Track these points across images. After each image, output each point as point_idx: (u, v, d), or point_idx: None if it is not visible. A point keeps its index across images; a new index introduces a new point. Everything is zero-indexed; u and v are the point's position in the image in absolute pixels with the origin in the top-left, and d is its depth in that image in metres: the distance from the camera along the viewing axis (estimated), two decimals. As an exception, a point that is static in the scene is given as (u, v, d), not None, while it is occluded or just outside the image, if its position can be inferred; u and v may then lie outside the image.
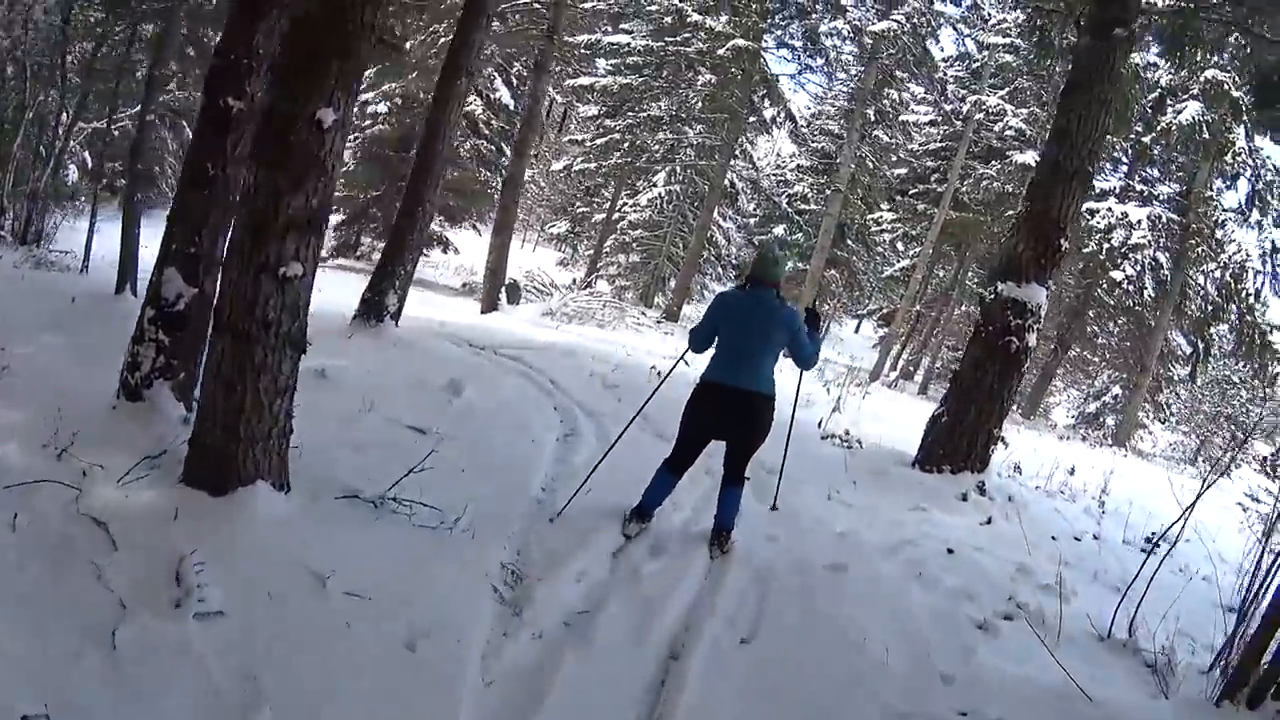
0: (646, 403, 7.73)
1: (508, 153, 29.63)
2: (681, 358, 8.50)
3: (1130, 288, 27.51)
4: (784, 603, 5.71)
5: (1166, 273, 28.00)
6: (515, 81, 30.71)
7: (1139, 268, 27.02)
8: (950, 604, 6.16)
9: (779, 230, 40.04)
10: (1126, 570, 7.56)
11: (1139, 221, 26.24)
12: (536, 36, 22.25)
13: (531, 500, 6.64)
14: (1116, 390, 37.70)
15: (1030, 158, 24.73)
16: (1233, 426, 45.40)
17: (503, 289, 21.70)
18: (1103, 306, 32.79)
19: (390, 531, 5.28)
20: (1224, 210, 28.79)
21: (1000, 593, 6.51)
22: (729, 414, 6.33)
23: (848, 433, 11.63)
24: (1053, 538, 8.77)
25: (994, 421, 10.27)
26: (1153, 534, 9.28)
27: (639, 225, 36.97)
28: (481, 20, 12.62)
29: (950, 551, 7.37)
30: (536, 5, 22.40)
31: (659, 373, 12.51)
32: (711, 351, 6.52)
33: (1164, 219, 26.78)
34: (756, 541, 6.69)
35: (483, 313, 20.48)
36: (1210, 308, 29.12)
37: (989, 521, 8.83)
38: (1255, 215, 27.79)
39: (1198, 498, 6.35)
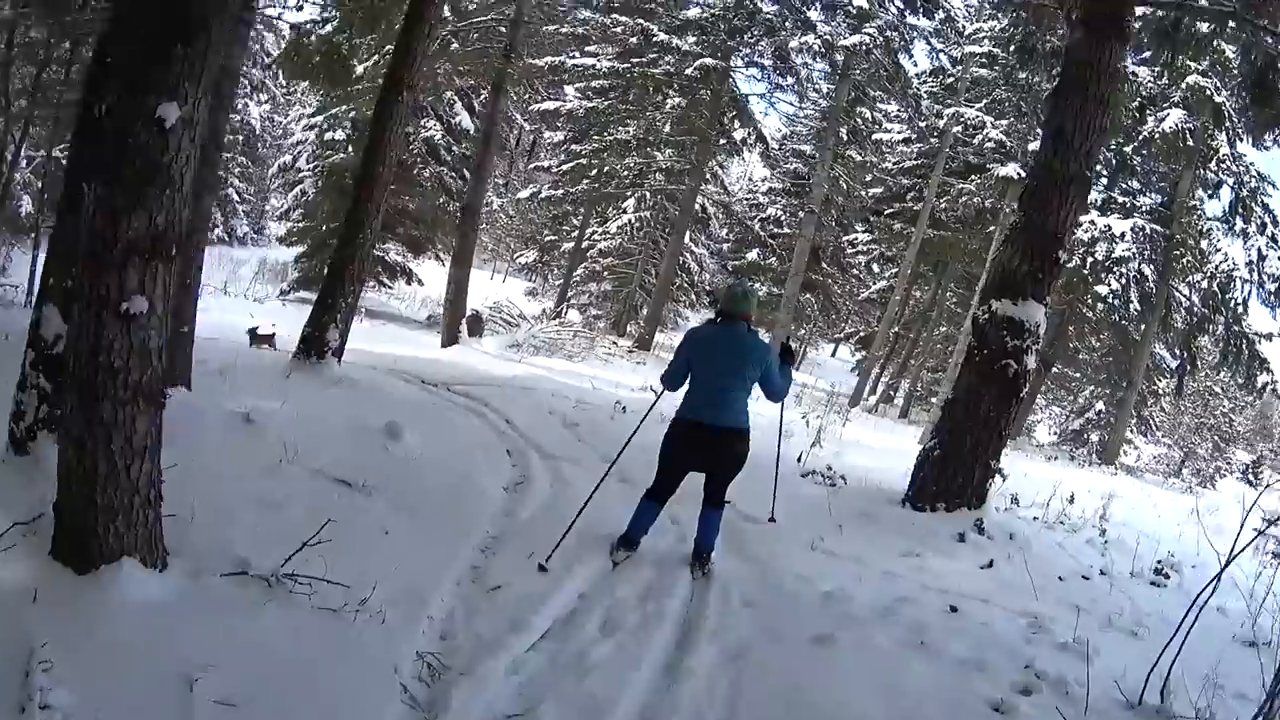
0: (620, 453, 7.22)
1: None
2: (658, 398, 7.95)
3: (1116, 301, 26.67)
4: (761, 690, 4.80)
5: (1152, 285, 27.22)
6: (478, 107, 29.64)
7: (1124, 281, 26.21)
8: (958, 679, 5.26)
9: (752, 255, 39.44)
10: (1139, 609, 7.22)
11: (1122, 234, 25.50)
12: (494, 56, 21.26)
13: (465, 567, 5.72)
14: (1100, 406, 37.68)
15: (1012, 170, 24.12)
16: (1215, 436, 45.09)
17: (463, 321, 20.70)
18: (1084, 322, 32.01)
19: (282, 617, 4.38)
20: (1208, 219, 28.32)
21: (1015, 659, 5.61)
22: (706, 451, 6.48)
23: (830, 468, 10.74)
24: (1059, 578, 8.02)
25: (991, 453, 9.40)
26: (1159, 563, 9.05)
27: (609, 253, 36.13)
28: (423, 29, 11.62)
29: (954, 610, 6.47)
30: (493, 23, 21.42)
31: (624, 408, 11.69)
32: (686, 387, 6.61)
33: (1147, 230, 26.03)
34: (731, 611, 5.84)
35: (443, 346, 19.52)
36: (1195, 319, 28.45)
37: (990, 565, 7.97)
38: (1239, 224, 27.28)
39: (1234, 551, 5.39)
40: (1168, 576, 8.76)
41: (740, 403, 6.44)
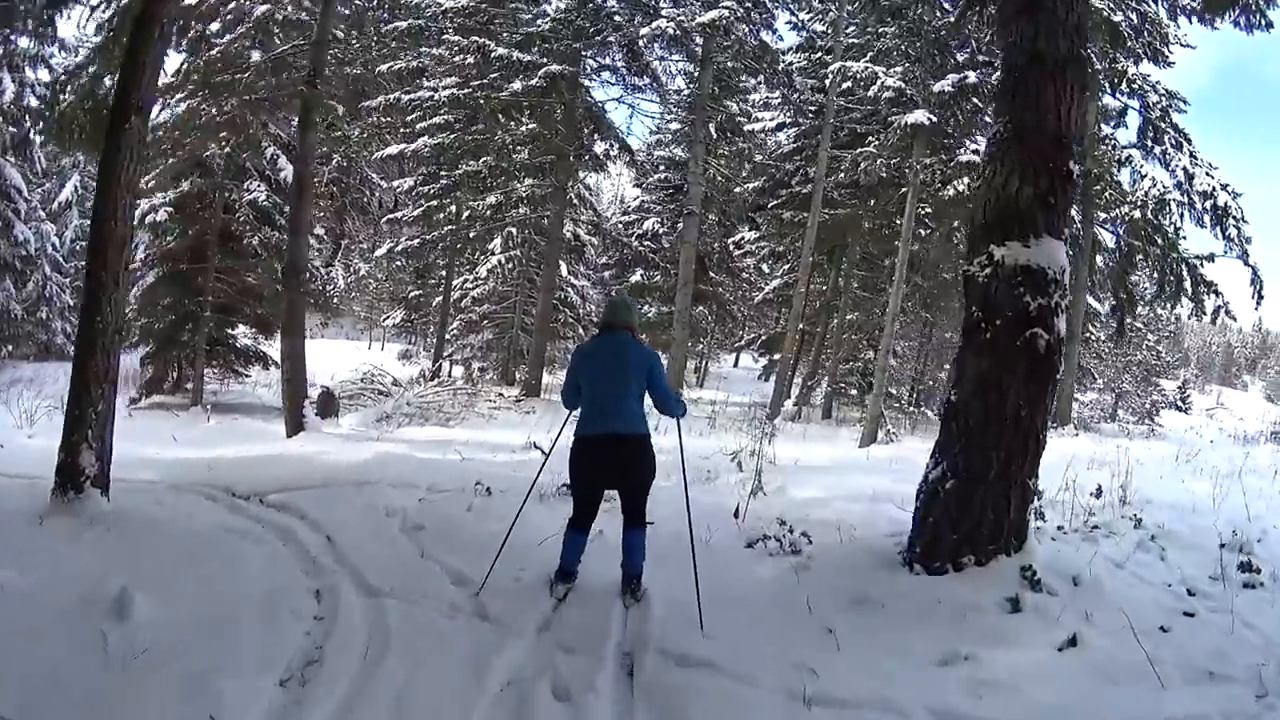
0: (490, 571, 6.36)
1: (314, 243, 25.93)
2: (545, 457, 8.04)
3: None
4: None
5: (1079, 227, 24.98)
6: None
7: None
8: None
9: (636, 276, 37.05)
10: (1270, 641, 5.66)
11: None
12: (295, 85, 17.73)
13: None
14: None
15: (921, 116, 21.14)
16: (1143, 371, 43.94)
17: (307, 403, 17.35)
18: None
19: None
20: (1122, 148, 26.42)
21: None
22: (609, 463, 6.52)
23: (784, 524, 8.01)
24: (1162, 629, 5.80)
25: (1029, 469, 6.80)
26: (1245, 561, 7.15)
27: (484, 299, 33.32)
28: (153, 32, 8.53)
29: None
30: (291, 51, 18.06)
31: (486, 489, 8.96)
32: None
33: None
34: None
35: (289, 436, 16.23)
36: (1124, 253, 26.66)
37: (1074, 642, 5.41)
38: (1156, 148, 25.47)
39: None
40: (1258, 571, 7.00)
41: (633, 408, 6.51)
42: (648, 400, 6.65)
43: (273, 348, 25.84)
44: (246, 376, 27.25)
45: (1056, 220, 6.64)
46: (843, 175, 26.68)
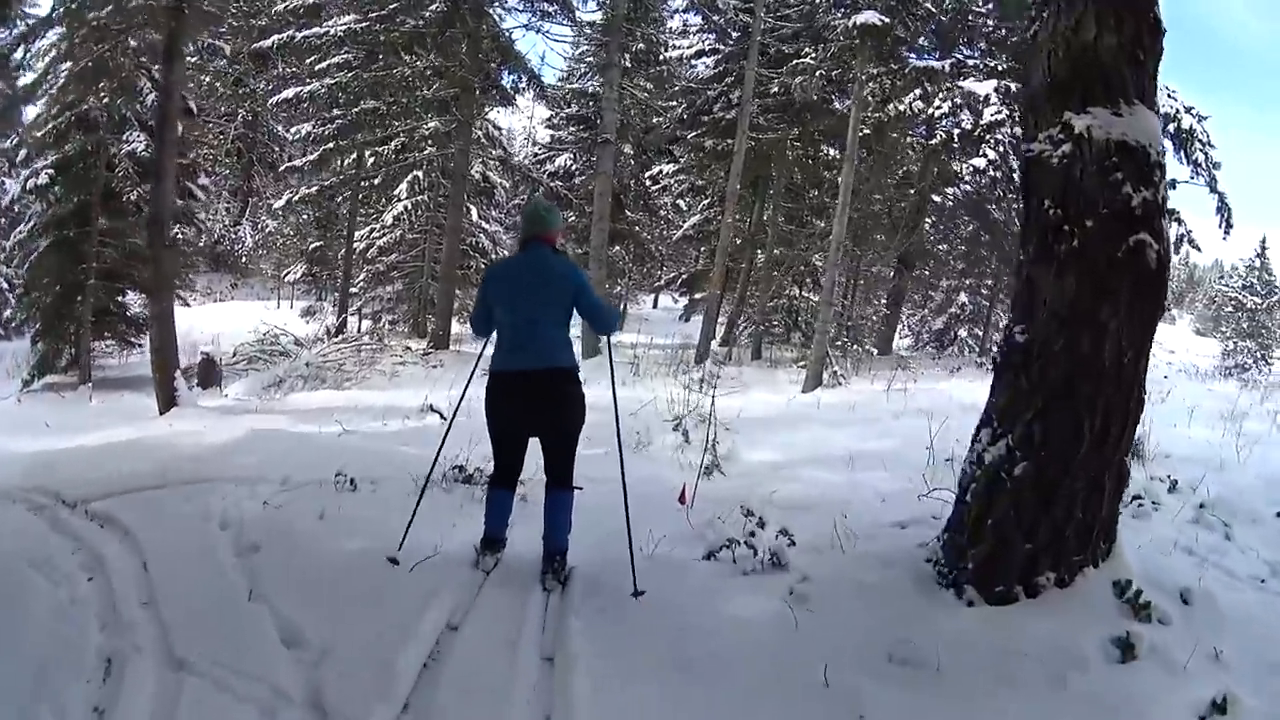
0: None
1: (199, 194, 24.17)
2: (448, 425, 6.60)
3: (998, 174, 22.32)
4: None
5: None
6: (193, 109, 24.52)
7: (1002, 150, 21.97)
8: None
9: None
10: None
11: (986, 97, 21.15)
12: (161, 11, 15.47)
13: None
14: (963, 299, 34.79)
15: (872, 17, 19.00)
16: None
17: (179, 375, 15.29)
18: (941, 211, 28.70)
19: None
20: None
21: None
22: (527, 404, 5.65)
23: (751, 515, 6.24)
24: None
25: (1128, 439, 4.97)
26: None
27: (391, 248, 31.09)
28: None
29: None
30: None
31: (350, 483, 7.18)
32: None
33: (1013, 90, 21.80)
34: None
35: (161, 413, 14.28)
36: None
37: (1221, 709, 3.80)
38: None
39: None
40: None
41: (555, 338, 5.59)
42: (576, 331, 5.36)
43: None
44: (140, 347, 24.88)
45: (1147, 84, 4.81)
46: (771, 99, 25.01)
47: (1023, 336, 4.94)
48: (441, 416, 10.51)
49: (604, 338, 6.81)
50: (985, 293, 34.09)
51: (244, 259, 47.53)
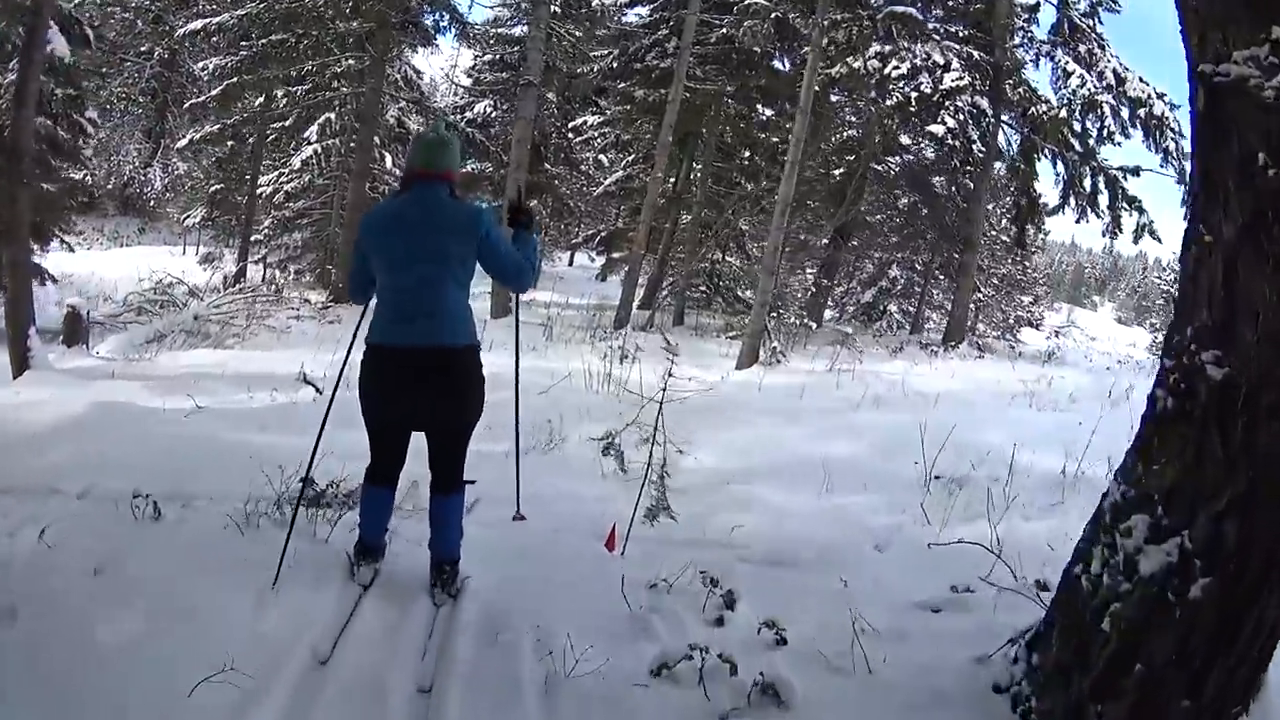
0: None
1: (89, 129, 22.11)
2: (329, 402, 5.12)
3: (956, 143, 20.94)
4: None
5: (991, 121, 22.21)
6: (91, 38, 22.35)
7: (961, 118, 20.70)
8: None
9: (467, 166, 32.95)
10: None
11: (948, 62, 19.97)
12: None
13: None
14: (895, 272, 33.73)
15: None
16: (1006, 284, 42.72)
17: (32, 332, 13.34)
18: (882, 180, 27.45)
19: None
20: (1037, 42, 23.43)
21: None
22: (413, 390, 4.46)
23: (716, 586, 4.56)
24: None
25: None
26: None
27: (299, 194, 29.14)
28: None
29: None
30: None
31: (153, 506, 5.17)
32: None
33: (976, 58, 20.71)
34: None
35: (15, 376, 12.43)
36: (1025, 155, 23.72)
37: None
38: (1081, 48, 22.71)
39: None
40: None
41: (451, 303, 4.41)
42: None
43: (46, 259, 21.76)
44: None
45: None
46: (710, 47, 23.66)
47: (1219, 370, 3.08)
48: (317, 390, 8.99)
49: (515, 295, 5.85)
50: (920, 267, 33.16)
51: (151, 202, 45.42)
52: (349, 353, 5.07)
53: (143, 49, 40.57)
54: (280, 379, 10.09)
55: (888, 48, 19.96)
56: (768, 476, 7.30)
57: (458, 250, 4.44)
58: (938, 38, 20.39)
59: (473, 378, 4.58)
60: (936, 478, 7.35)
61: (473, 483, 4.87)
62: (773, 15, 20.11)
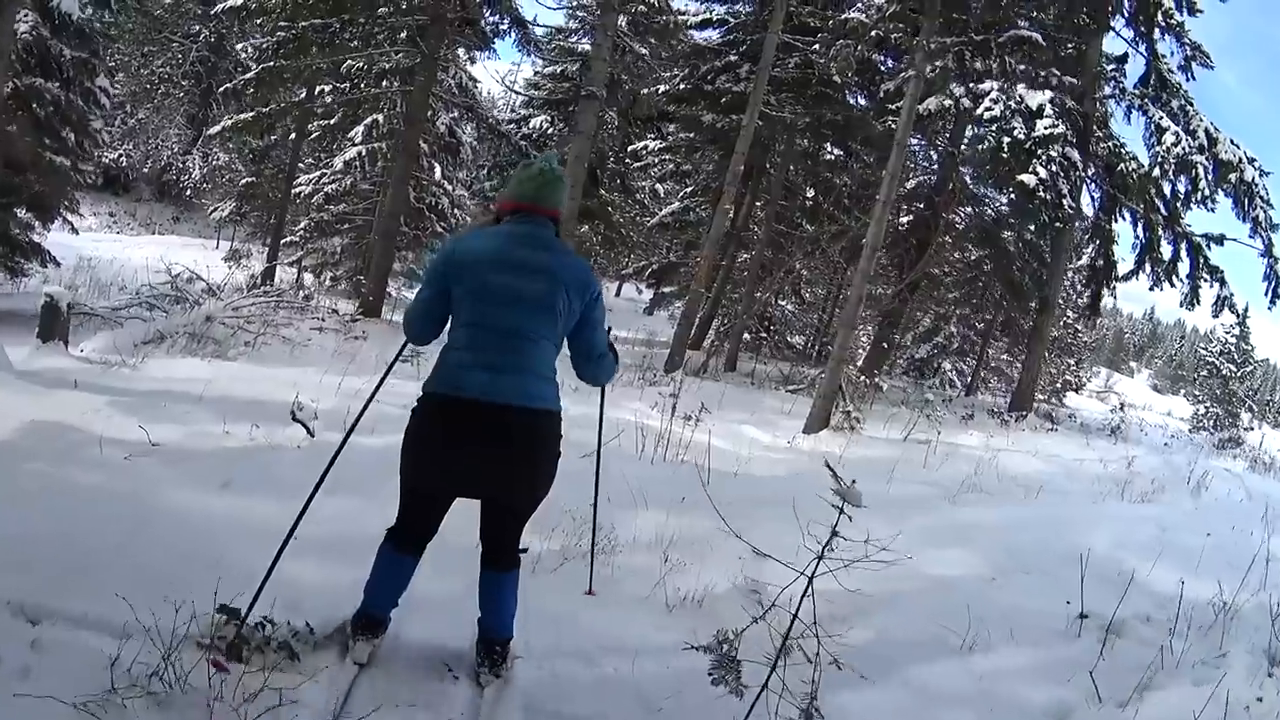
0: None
1: (102, 99, 20.44)
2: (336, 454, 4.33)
3: (1047, 196, 18.99)
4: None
5: (1083, 174, 20.17)
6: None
7: (1053, 169, 18.58)
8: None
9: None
10: None
11: (1040, 107, 17.92)
12: None
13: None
14: (952, 329, 32.72)
15: None
16: (1058, 348, 41.72)
17: None
18: (950, 232, 25.63)
19: None
20: (1129, 94, 21.47)
21: None
22: (481, 452, 3.74)
23: None
24: None
25: None
26: None
27: (339, 196, 27.80)
28: None
29: None
30: None
31: None
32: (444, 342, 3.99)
33: (1067, 105, 18.71)
34: None
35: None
36: (1105, 213, 21.94)
37: None
38: (1172, 101, 20.83)
39: None
40: None
41: (543, 365, 3.84)
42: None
43: (46, 237, 20.06)
44: (25, 275, 20.87)
45: None
46: (786, 72, 22.13)
47: None
48: (308, 432, 7.12)
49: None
50: (980, 326, 31.67)
51: (189, 191, 44.33)
52: (375, 393, 4.50)
53: (193, 30, 39.66)
54: (271, 409, 8.04)
55: (983, 85, 18.13)
56: (886, 615, 5.48)
57: (564, 304, 3.85)
58: (1033, 77, 18.63)
59: (552, 449, 3.92)
60: (1082, 616, 5.70)
61: (525, 551, 4.25)
62: (872, 33, 18.09)
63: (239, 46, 26.90)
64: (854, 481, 4.21)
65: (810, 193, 27.27)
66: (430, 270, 4.05)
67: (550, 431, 3.88)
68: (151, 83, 42.96)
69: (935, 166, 24.57)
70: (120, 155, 43.69)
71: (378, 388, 4.53)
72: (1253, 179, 19.86)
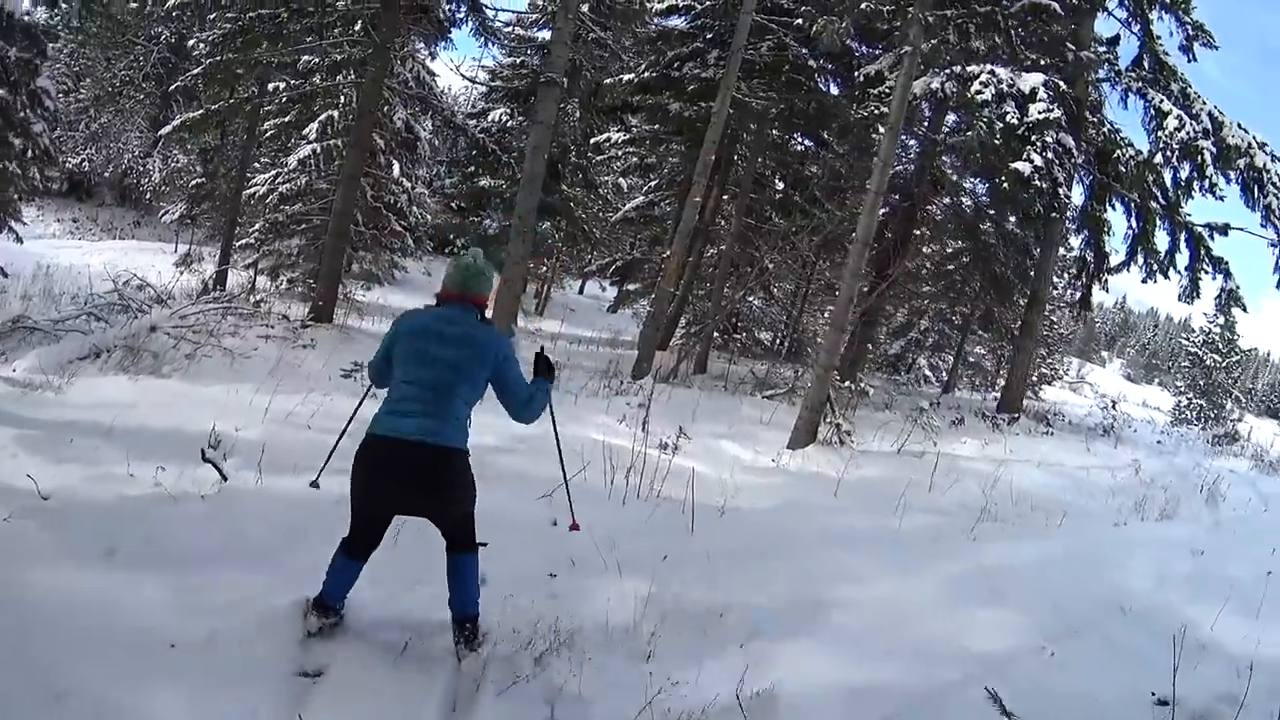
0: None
1: (47, 101, 19.48)
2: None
3: (1042, 184, 17.97)
4: None
5: (1078, 161, 19.26)
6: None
7: (1047, 156, 17.43)
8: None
9: (484, 182, 31.62)
10: None
11: (1033, 91, 16.86)
12: None
13: None
14: (925, 323, 32.32)
15: None
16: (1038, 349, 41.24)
17: None
18: (928, 224, 24.89)
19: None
20: (1125, 77, 20.31)
21: None
22: (404, 480, 4.69)
23: None
24: None
25: None
26: None
27: (294, 197, 26.65)
28: None
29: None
30: None
31: None
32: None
33: (1061, 88, 17.52)
34: None
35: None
36: (1094, 203, 21.13)
37: None
38: (1172, 85, 19.91)
39: None
40: None
41: (454, 411, 4.76)
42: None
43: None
44: None
45: None
46: (762, 54, 21.31)
47: None
48: (221, 475, 6.16)
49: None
50: (957, 320, 30.87)
51: (149, 195, 43.35)
52: (339, 438, 5.52)
53: (155, 31, 38.82)
54: (187, 440, 6.90)
55: (971, 68, 17.18)
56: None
57: (474, 371, 4.77)
58: (1024, 57, 17.72)
59: (463, 478, 4.79)
60: (1161, 703, 4.72)
61: (485, 544, 4.95)
62: (862, 5, 17.08)
63: (189, 44, 25.79)
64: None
65: (780, 185, 26.59)
66: (387, 335, 5.03)
67: (461, 466, 4.75)
68: (114, 86, 42.15)
69: (914, 156, 23.55)
70: (83, 160, 42.92)
71: (341, 435, 5.52)
72: (1264, 164, 18.91)
